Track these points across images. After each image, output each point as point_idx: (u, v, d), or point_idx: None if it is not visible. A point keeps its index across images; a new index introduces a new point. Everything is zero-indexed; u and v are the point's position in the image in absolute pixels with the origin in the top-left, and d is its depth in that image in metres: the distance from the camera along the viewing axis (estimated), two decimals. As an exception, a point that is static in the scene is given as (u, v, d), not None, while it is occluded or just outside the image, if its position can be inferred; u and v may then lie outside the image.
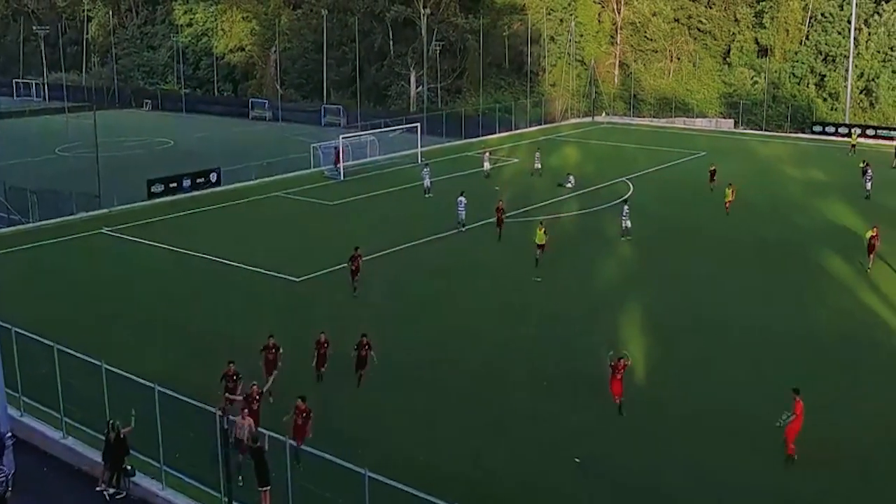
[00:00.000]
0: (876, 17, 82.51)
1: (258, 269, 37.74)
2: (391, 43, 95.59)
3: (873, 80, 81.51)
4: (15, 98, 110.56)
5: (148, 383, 20.33)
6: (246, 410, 20.49)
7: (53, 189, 48.96)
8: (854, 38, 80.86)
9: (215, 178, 55.71)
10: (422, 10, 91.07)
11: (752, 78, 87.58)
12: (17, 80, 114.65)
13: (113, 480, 20.48)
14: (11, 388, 23.53)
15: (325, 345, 25.37)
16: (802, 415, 21.34)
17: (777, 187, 56.28)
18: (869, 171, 52.82)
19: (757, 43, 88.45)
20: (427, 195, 52.35)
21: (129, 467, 20.37)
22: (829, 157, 68.55)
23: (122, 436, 20.13)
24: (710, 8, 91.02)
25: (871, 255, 37.49)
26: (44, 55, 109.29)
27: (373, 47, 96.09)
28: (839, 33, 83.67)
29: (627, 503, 20.40)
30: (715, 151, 69.39)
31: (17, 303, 32.53)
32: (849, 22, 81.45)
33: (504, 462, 21.83)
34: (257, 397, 21.33)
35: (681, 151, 69.69)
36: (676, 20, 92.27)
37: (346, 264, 34.62)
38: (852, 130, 73.96)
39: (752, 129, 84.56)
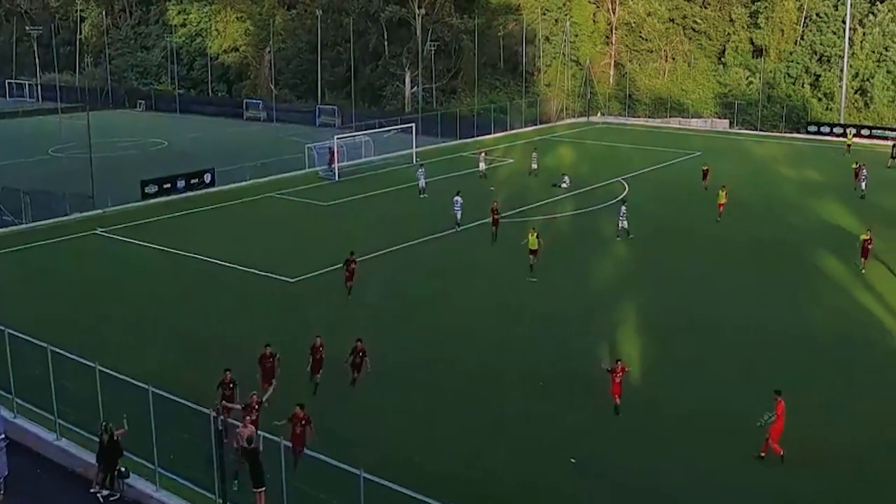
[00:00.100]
0: (870, 17, 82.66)
1: (252, 270, 37.63)
2: (386, 43, 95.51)
3: (868, 80, 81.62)
4: (8, 99, 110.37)
5: (142, 384, 20.20)
6: (248, 419, 20.20)
7: (47, 190, 48.81)
8: (849, 39, 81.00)
9: (209, 179, 55.57)
10: (416, 11, 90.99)
11: (747, 78, 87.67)
12: (9, 80, 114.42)
13: (106, 482, 20.37)
14: (4, 389, 23.52)
15: (321, 350, 24.92)
16: (784, 415, 21.28)
17: (772, 187, 56.31)
18: (864, 171, 52.84)
19: (752, 43, 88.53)
20: (422, 195, 52.27)
21: (122, 469, 20.25)
22: (824, 157, 68.61)
23: (115, 438, 20.01)
24: (705, 8, 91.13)
25: (865, 259, 37.30)
26: (37, 56, 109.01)
27: (367, 47, 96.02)
28: (834, 33, 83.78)
29: (626, 503, 20.35)
30: (710, 151, 69.46)
31: (11, 304, 32.41)
32: (843, 22, 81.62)
33: (501, 462, 21.76)
34: (256, 407, 20.99)
35: (676, 151, 69.71)
36: (671, 20, 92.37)
37: (341, 265, 34.46)
38: (847, 130, 73.97)
39: (747, 129, 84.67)
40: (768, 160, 67.52)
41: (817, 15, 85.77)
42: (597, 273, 37.80)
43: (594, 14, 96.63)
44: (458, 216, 44.46)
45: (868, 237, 37.27)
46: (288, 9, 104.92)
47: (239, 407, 21.36)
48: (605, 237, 43.32)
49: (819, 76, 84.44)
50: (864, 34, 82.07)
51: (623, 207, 43.37)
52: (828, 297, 34.67)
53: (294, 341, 26.95)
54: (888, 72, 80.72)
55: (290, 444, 19.38)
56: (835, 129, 77.91)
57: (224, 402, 21.82)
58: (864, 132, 76.41)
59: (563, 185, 55.16)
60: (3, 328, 23.72)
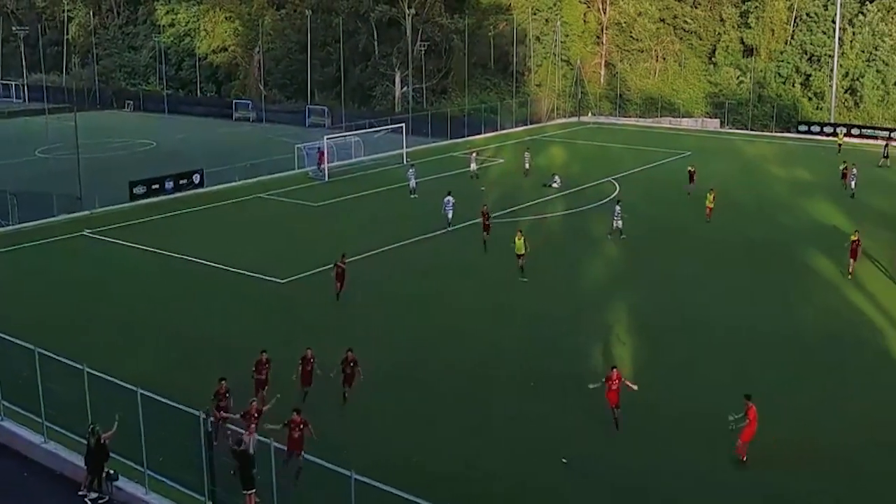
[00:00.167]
0: (860, 16, 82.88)
1: (242, 271, 37.40)
2: (376, 43, 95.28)
3: (858, 79, 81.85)
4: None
5: (130, 386, 20.02)
6: (253, 426, 19.78)
7: (34, 191, 48.44)
8: (839, 38, 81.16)
9: (198, 180, 55.27)
10: (406, 11, 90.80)
11: (737, 78, 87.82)
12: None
13: (94, 485, 20.17)
14: (-8, 392, 23.26)
15: (312, 361, 24.20)
16: (756, 420, 21.12)
17: (763, 187, 56.33)
18: (853, 170, 52.86)
19: (742, 43, 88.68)
20: (413, 196, 52.12)
21: (111, 472, 20.07)
22: (814, 156, 68.73)
23: (101, 441, 19.80)
24: (696, 8, 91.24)
25: (854, 261, 36.58)
26: (23, 56, 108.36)
27: (357, 47, 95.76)
28: (824, 33, 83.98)
29: (620, 503, 20.32)
30: (701, 151, 69.54)
31: (-2, 306, 32.15)
32: (833, 22, 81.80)
33: (495, 462, 21.65)
34: (256, 415, 20.48)
35: (667, 151, 69.72)
36: (662, 20, 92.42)
37: (331, 266, 34.20)
38: (838, 130, 74.14)
39: (737, 128, 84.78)
40: (759, 160, 67.61)
41: (807, 15, 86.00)
42: (588, 273, 37.71)
43: (585, 14, 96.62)
44: (450, 216, 44.33)
45: (856, 238, 36.80)
46: (277, 9, 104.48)
47: (238, 417, 21.00)
48: (597, 237, 43.25)
49: (809, 76, 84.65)
50: (853, 34, 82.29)
51: (618, 207, 43.26)
52: (819, 296, 34.66)
53: (284, 343, 26.78)
54: (878, 71, 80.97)
55: (283, 447, 19.21)
56: (825, 129, 78.06)
57: (220, 412, 21.47)
58: (855, 132, 76.58)
59: (554, 185, 55.09)
60: (-11, 330, 23.51)
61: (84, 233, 44.45)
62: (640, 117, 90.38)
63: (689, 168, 53.58)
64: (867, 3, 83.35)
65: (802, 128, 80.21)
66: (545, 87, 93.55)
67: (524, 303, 33.62)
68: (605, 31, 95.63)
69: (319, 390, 24.26)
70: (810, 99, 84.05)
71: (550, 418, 24.00)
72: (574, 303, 33.84)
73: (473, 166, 58.97)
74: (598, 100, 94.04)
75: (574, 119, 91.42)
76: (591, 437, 22.96)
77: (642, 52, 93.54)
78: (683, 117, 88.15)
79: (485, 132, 79.09)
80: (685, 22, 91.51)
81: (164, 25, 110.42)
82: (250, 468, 18.72)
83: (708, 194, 46.16)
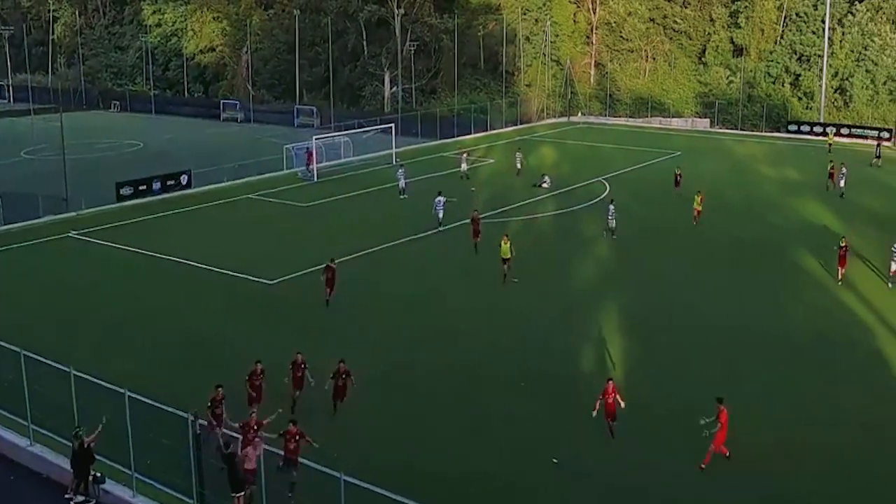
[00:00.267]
0: (850, 16, 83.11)
1: (231, 272, 37.14)
2: (365, 43, 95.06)
3: (847, 79, 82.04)
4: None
5: (118, 389, 19.79)
6: (257, 439, 19.42)
7: (19, 192, 48.04)
8: (828, 38, 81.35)
9: (186, 181, 54.90)
10: (395, 10, 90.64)
11: (727, 77, 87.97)
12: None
13: (81, 488, 19.92)
14: (-24, 395, 22.96)
15: (302, 366, 23.82)
16: (727, 424, 20.93)
17: (753, 187, 56.35)
18: (843, 170, 52.86)
19: (732, 43, 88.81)
20: (402, 196, 51.93)
21: (98, 474, 19.82)
22: (804, 156, 68.82)
23: (86, 445, 19.53)
24: (686, 8, 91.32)
25: (843, 268, 35.70)
26: (8, 56, 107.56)
27: (346, 47, 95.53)
28: (814, 33, 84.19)
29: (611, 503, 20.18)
30: (691, 151, 69.60)
31: (-17, 307, 31.83)
32: (823, 22, 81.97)
33: (486, 462, 21.52)
34: (255, 427, 20.01)
35: (657, 151, 69.71)
36: (652, 20, 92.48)
37: (320, 268, 33.90)
38: (828, 130, 74.30)
39: (727, 128, 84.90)
40: (749, 159, 67.68)
41: (797, 14, 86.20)
42: (579, 273, 37.60)
43: (574, 14, 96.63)
44: (441, 216, 44.18)
45: (844, 245, 35.98)
46: (265, 8, 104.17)
47: (237, 425, 20.67)
48: (587, 237, 43.16)
49: (799, 75, 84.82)
50: (843, 34, 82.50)
51: (611, 207, 43.16)
52: (809, 296, 34.62)
53: (274, 345, 26.59)
54: (867, 71, 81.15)
55: (278, 452, 18.99)
56: (815, 129, 78.21)
57: (212, 418, 21.15)
58: (844, 131, 76.75)
59: (544, 185, 54.99)
60: (-26, 332, 23.21)
61: (70, 234, 44.09)
62: (629, 117, 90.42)
63: (677, 171, 53.05)
64: (856, 2, 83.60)
65: (792, 127, 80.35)
66: (535, 87, 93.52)
67: (515, 303, 33.46)
68: (594, 31, 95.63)
69: (311, 392, 24.03)
70: (800, 99, 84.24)
71: (542, 418, 23.87)
72: (565, 303, 33.73)
73: (464, 167, 58.83)
74: (588, 100, 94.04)
75: (564, 119, 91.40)
76: (582, 437, 22.78)
77: (632, 52, 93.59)
78: (673, 117, 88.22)
79: (474, 132, 78.95)
80: (675, 22, 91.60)
81: (150, 25, 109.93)
82: (238, 472, 18.50)
83: (696, 196, 45.54)
